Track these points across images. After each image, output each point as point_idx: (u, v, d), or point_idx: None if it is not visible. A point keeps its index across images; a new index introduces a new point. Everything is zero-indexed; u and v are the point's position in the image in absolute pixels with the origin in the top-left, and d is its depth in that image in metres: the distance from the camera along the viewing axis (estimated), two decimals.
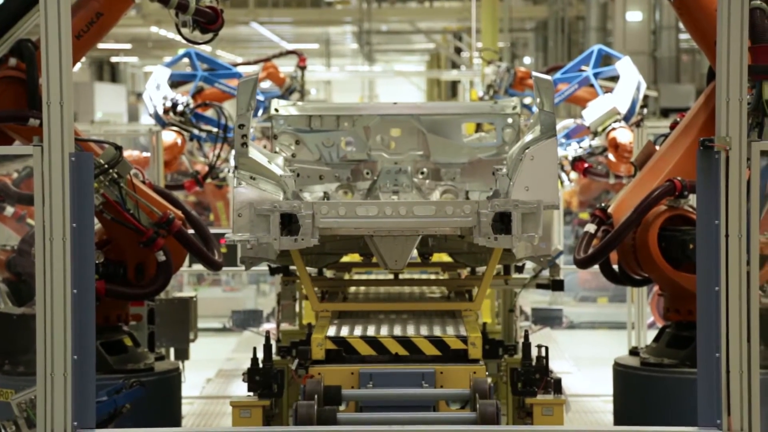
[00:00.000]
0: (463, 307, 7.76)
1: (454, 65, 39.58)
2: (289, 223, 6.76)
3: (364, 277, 9.26)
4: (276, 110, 8.65)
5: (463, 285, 8.55)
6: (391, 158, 8.66)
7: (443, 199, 8.55)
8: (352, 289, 8.80)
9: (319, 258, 7.95)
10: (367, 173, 8.67)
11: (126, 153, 8.92)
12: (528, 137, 7.17)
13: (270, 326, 12.89)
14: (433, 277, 9.22)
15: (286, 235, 6.73)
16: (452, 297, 8.39)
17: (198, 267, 12.18)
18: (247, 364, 7.14)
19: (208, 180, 12.71)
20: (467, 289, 8.56)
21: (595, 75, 12.60)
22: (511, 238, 6.72)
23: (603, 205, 8.29)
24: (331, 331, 7.09)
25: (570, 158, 12.32)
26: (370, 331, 7.12)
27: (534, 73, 7.32)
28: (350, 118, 8.64)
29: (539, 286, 8.92)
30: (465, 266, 8.57)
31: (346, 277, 9.02)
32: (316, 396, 6.52)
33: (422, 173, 8.70)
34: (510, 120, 8.61)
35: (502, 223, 6.75)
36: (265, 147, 16.16)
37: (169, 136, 11.97)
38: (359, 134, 8.65)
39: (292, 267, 8.57)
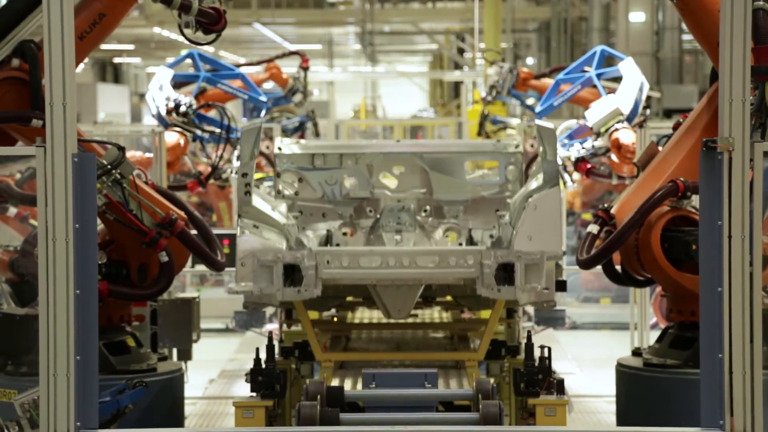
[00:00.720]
0: (466, 357, 7.76)
1: (457, 66, 39.60)
2: (292, 272, 6.82)
3: (367, 315, 9.19)
4: (279, 149, 8.64)
5: (466, 329, 8.53)
6: (393, 196, 8.66)
7: (446, 236, 8.58)
8: (355, 330, 8.77)
9: (322, 301, 7.90)
10: (370, 211, 8.67)
11: (129, 154, 8.94)
12: (532, 185, 7.18)
13: (273, 327, 12.89)
14: (436, 318, 9.18)
15: (289, 285, 6.78)
16: (455, 341, 8.36)
17: (201, 268, 12.18)
18: (250, 365, 7.15)
19: (211, 181, 12.70)
20: (470, 330, 8.54)
21: (598, 76, 12.59)
22: (515, 290, 6.79)
23: (606, 205, 8.28)
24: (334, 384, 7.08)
25: (573, 159, 12.30)
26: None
27: (537, 121, 7.35)
28: (353, 156, 8.63)
29: None
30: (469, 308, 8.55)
31: (349, 315, 8.98)
32: (319, 396, 6.53)
33: (425, 211, 8.69)
34: (512, 159, 8.60)
35: (505, 272, 6.81)
36: (268, 148, 16.22)
37: (171, 137, 11.96)
38: (362, 172, 8.64)
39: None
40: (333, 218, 8.63)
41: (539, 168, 7.20)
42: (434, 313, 9.10)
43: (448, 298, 8.69)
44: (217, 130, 12.11)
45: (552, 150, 6.99)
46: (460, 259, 6.82)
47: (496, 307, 7.41)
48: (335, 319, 8.30)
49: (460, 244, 8.52)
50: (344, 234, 8.62)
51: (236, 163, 12.23)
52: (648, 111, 12.60)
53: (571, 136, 12.46)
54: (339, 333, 8.42)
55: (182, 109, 12.01)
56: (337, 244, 8.52)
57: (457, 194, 8.65)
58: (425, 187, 8.67)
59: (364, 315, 8.87)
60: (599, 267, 8.34)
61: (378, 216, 8.55)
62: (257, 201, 7.20)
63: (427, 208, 8.67)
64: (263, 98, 14.16)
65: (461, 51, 39.51)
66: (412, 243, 7.79)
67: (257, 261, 6.78)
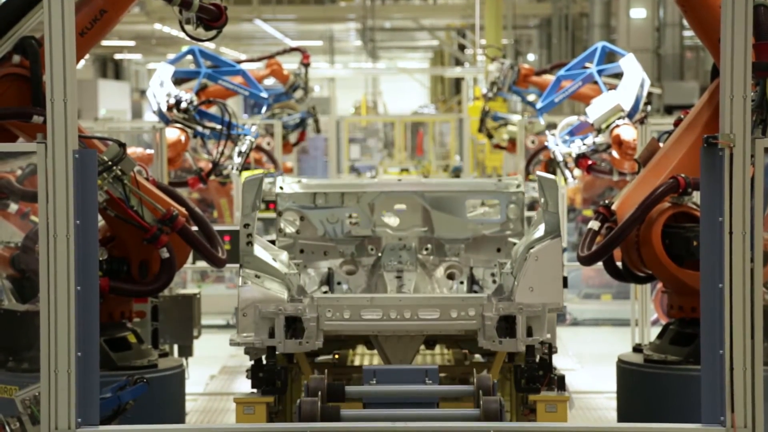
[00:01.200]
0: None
1: (458, 62, 39.61)
2: (293, 322, 6.85)
3: (368, 352, 9.17)
4: (281, 188, 8.69)
5: (467, 371, 8.53)
6: (395, 234, 8.70)
7: (448, 273, 8.64)
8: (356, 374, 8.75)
9: (324, 345, 7.91)
10: (372, 249, 8.73)
11: (130, 150, 8.93)
12: (533, 235, 7.19)
13: None
14: (438, 354, 9.18)
15: (290, 337, 6.82)
16: (456, 384, 8.36)
17: (202, 264, 12.17)
18: (251, 361, 7.14)
19: (212, 177, 12.70)
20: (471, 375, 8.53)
21: (599, 72, 12.58)
22: (516, 342, 6.81)
23: (607, 202, 8.29)
24: None
25: (574, 155, 12.30)
26: None
27: (538, 173, 7.38)
28: (354, 195, 8.68)
29: None
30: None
31: (350, 353, 8.98)
32: (319, 393, 6.53)
33: (426, 249, 8.73)
34: (514, 197, 8.63)
35: (507, 322, 6.84)
36: (269, 144, 16.21)
37: (172, 133, 11.96)
38: (363, 211, 8.68)
39: None
40: (334, 256, 8.69)
41: (540, 218, 7.22)
42: (436, 348, 9.11)
43: None
44: (218, 127, 12.10)
45: (554, 201, 7.02)
46: (461, 311, 6.88)
47: (497, 359, 7.44)
48: (336, 356, 8.33)
49: (462, 283, 8.57)
50: (348, 273, 8.66)
51: (237, 160, 12.23)
52: (649, 107, 12.60)
53: (572, 133, 12.46)
54: (340, 377, 8.44)
55: (183, 105, 12.00)
56: (339, 283, 8.59)
57: (459, 232, 8.72)
58: (426, 225, 8.73)
59: (365, 351, 8.90)
60: (600, 263, 8.34)
61: (379, 254, 8.61)
62: (259, 251, 7.25)
63: (429, 246, 8.73)
64: (264, 94, 14.16)
65: (462, 47, 39.52)
66: (413, 284, 7.85)
67: (259, 312, 6.84)
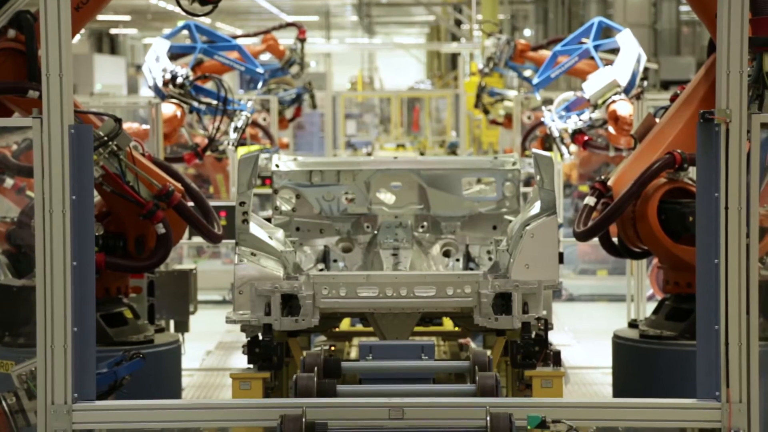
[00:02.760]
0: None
1: (454, 38, 39.51)
2: (289, 299, 6.85)
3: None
4: (277, 166, 8.68)
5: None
6: (391, 212, 8.72)
7: (444, 251, 8.65)
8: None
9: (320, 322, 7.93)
10: (368, 227, 8.74)
11: (125, 125, 8.91)
12: (530, 212, 7.22)
13: None
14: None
15: (286, 314, 6.83)
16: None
17: (198, 239, 12.17)
18: None
19: (208, 152, 12.68)
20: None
21: (596, 47, 12.55)
22: (512, 319, 6.83)
23: (603, 177, 8.29)
24: None
25: (570, 131, 12.28)
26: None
27: (534, 150, 7.38)
28: (350, 173, 8.70)
29: None
30: (465, 335, 8.56)
31: (346, 345, 9.00)
32: (316, 368, 6.54)
33: (422, 227, 8.75)
34: (510, 175, 8.65)
35: (503, 299, 6.85)
36: (264, 120, 16.19)
37: (168, 109, 11.93)
38: (360, 188, 8.70)
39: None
40: (330, 234, 8.72)
41: (536, 195, 7.23)
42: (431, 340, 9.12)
43: (446, 322, 8.73)
44: (214, 102, 12.07)
45: (549, 178, 7.03)
46: (457, 288, 6.90)
47: (496, 347, 7.45)
48: (333, 348, 8.34)
49: (458, 260, 8.59)
50: (344, 251, 8.68)
51: (233, 135, 12.22)
52: (645, 83, 12.57)
53: (568, 108, 12.44)
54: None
55: (179, 80, 11.97)
56: (335, 260, 8.60)
57: (455, 210, 8.75)
58: (422, 203, 8.75)
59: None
60: (596, 239, 8.35)
61: (375, 232, 8.62)
62: (255, 228, 7.25)
63: (425, 224, 8.76)
64: (260, 70, 14.13)
65: (459, 23, 39.42)
66: (409, 261, 7.87)
67: (255, 290, 6.85)
